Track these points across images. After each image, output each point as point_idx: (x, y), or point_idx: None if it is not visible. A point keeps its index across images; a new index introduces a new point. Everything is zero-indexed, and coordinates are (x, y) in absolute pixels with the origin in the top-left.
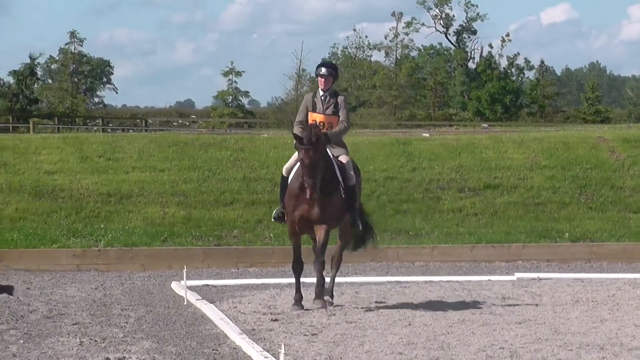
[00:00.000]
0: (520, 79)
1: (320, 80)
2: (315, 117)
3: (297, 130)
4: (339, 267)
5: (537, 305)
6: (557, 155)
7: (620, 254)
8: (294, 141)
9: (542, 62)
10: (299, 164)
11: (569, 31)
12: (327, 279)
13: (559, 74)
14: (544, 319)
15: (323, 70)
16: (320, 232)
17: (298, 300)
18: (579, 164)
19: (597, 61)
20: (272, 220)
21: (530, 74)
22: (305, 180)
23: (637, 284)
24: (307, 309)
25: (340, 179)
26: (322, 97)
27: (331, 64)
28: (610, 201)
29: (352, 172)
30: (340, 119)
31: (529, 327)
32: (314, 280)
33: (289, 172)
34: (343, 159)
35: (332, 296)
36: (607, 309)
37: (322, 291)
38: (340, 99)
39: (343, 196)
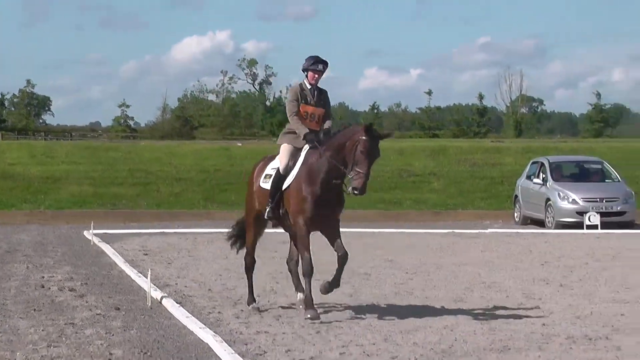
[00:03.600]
0: None
1: (313, 75)
2: (307, 109)
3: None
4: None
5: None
6: None
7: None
8: (282, 135)
9: None
10: (301, 162)
11: (326, 82)
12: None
13: None
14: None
15: (320, 66)
16: (337, 225)
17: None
18: None
19: (344, 101)
20: (267, 218)
21: None
22: (365, 173)
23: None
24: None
25: None
26: (311, 90)
27: (325, 60)
28: None
29: None
30: (327, 113)
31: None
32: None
33: (286, 171)
34: None
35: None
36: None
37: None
38: (327, 93)
39: None
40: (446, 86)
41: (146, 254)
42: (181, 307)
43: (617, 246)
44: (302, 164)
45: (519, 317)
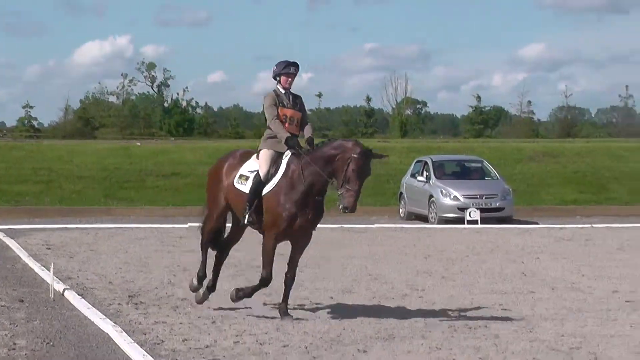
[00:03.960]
0: (194, 112)
1: (286, 79)
2: (286, 112)
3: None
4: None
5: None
6: (217, 155)
7: None
8: (263, 141)
9: (206, 103)
10: (282, 171)
11: (220, 86)
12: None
13: (216, 110)
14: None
15: (292, 69)
16: (308, 239)
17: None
18: None
19: (238, 103)
20: (247, 223)
21: (200, 110)
22: (356, 191)
23: None
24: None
25: None
26: (286, 95)
27: (296, 62)
28: None
29: None
30: (304, 118)
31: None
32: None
33: (267, 178)
34: None
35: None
36: None
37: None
38: (302, 99)
39: None
40: (335, 89)
41: (49, 249)
42: (83, 299)
43: (495, 240)
44: (283, 175)
45: (404, 307)
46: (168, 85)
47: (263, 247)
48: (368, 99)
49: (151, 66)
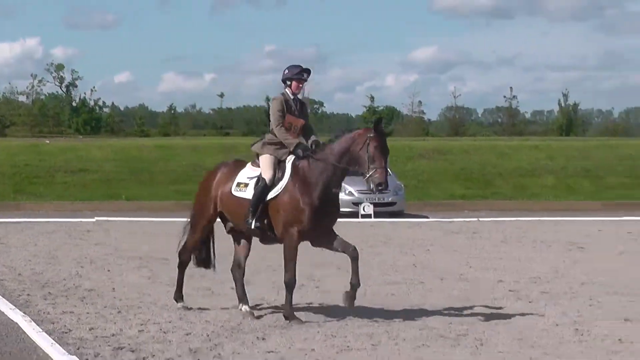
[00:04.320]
0: (101, 111)
1: (297, 85)
2: (292, 121)
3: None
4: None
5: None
6: (124, 153)
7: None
8: (263, 146)
9: (113, 103)
10: (289, 173)
11: (126, 86)
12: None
13: (122, 109)
14: (111, 242)
15: (305, 75)
16: (332, 232)
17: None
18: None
19: (144, 103)
20: (253, 229)
21: (107, 109)
22: (385, 168)
23: None
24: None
25: None
26: (294, 101)
27: (309, 69)
28: None
29: None
30: (308, 126)
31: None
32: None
33: (272, 182)
34: None
35: None
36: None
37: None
38: (306, 105)
39: None
40: (237, 89)
41: None
42: None
43: (388, 233)
44: (292, 175)
45: (301, 297)
46: (76, 86)
47: (285, 248)
48: (267, 99)
49: (60, 67)
